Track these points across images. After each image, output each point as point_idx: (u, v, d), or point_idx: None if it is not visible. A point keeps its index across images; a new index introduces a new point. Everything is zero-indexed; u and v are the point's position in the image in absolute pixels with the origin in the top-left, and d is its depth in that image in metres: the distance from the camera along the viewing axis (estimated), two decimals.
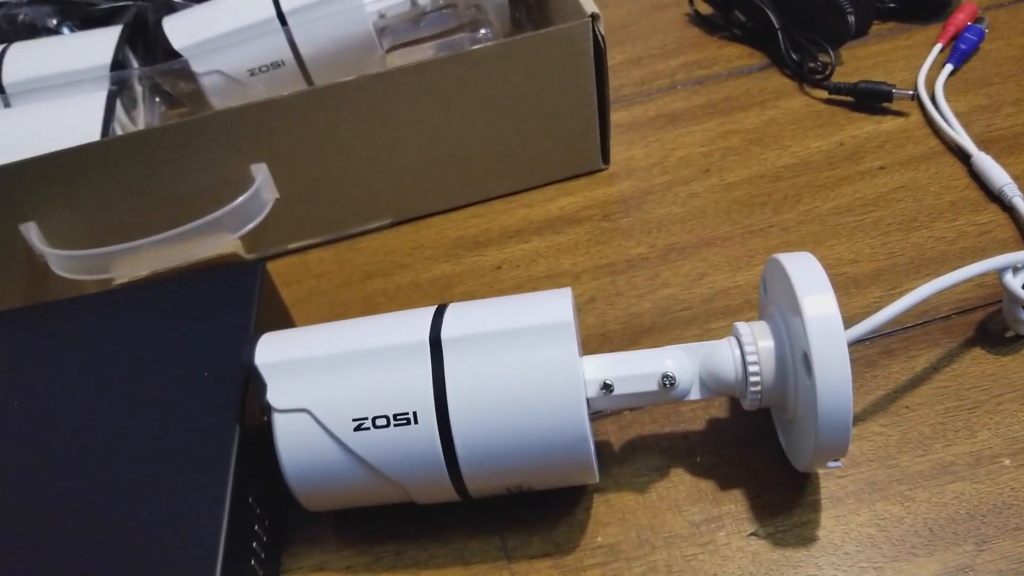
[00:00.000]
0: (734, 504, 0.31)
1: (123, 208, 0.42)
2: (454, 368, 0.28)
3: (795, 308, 0.27)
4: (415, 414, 0.28)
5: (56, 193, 0.41)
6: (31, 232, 0.41)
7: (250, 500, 0.30)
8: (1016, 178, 0.39)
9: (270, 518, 0.32)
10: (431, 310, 0.30)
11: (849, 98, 0.46)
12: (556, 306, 0.29)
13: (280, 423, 0.29)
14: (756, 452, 0.32)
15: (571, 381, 0.28)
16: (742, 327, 0.30)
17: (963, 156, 0.42)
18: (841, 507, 0.30)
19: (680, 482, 0.32)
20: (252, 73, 0.49)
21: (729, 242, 0.40)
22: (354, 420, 0.29)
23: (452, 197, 0.46)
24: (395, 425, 0.29)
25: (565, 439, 0.28)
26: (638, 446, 0.33)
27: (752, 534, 0.30)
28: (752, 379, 0.29)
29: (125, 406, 0.32)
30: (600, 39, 0.40)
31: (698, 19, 0.55)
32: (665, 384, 0.29)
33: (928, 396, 0.33)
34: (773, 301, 0.30)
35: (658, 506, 0.31)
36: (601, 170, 0.46)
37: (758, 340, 0.29)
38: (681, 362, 0.30)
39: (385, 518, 0.32)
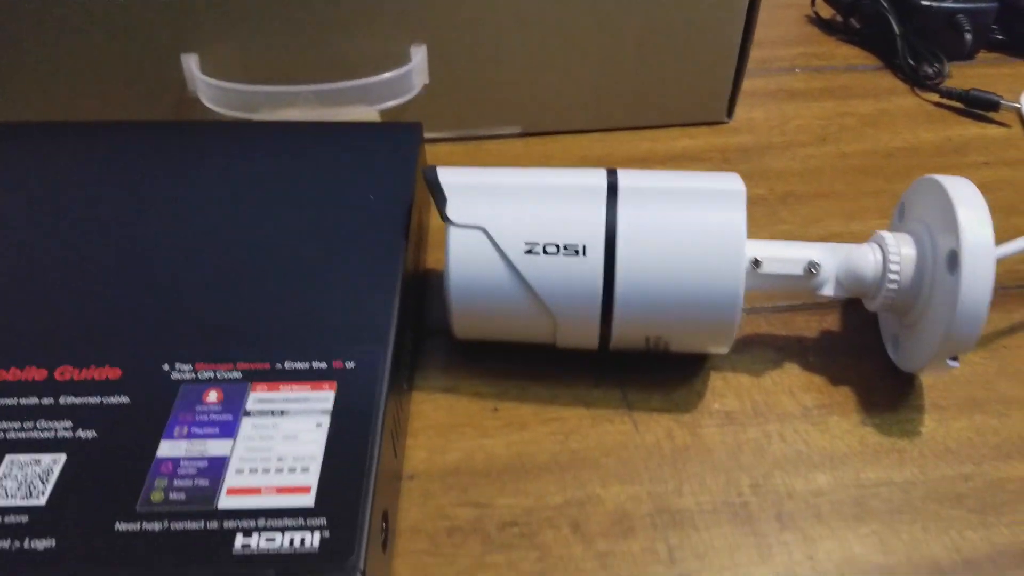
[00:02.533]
0: (843, 398, 0.34)
1: (281, 56, 0.44)
2: (627, 211, 0.31)
3: (948, 210, 0.30)
4: (584, 247, 0.31)
5: (222, 28, 0.43)
6: (191, 63, 0.44)
7: (408, 307, 0.33)
8: None
9: (413, 341, 0.34)
10: (604, 169, 0.33)
11: (958, 104, 0.50)
12: (729, 178, 0.32)
13: (455, 237, 0.32)
14: (865, 362, 0.35)
15: (736, 242, 0.31)
16: (887, 234, 0.33)
17: None
18: (943, 413, 0.33)
19: (793, 374, 0.35)
20: None
21: (843, 198, 0.44)
22: (526, 243, 0.31)
23: (581, 119, 0.49)
24: (564, 255, 0.31)
25: (718, 295, 0.31)
26: (754, 342, 0.36)
27: (860, 422, 0.33)
28: (891, 276, 0.32)
29: (310, 217, 0.34)
30: None
31: (817, 21, 0.59)
32: (811, 271, 0.32)
33: None
34: (915, 218, 0.33)
35: (772, 389, 0.34)
36: (723, 123, 0.49)
37: (901, 247, 0.32)
38: (824, 256, 0.33)
39: (513, 362, 0.35)
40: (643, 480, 0.31)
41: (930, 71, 0.52)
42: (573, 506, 0.30)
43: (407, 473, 0.31)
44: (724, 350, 0.33)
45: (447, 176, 0.33)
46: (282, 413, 0.27)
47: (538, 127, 0.49)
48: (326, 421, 0.26)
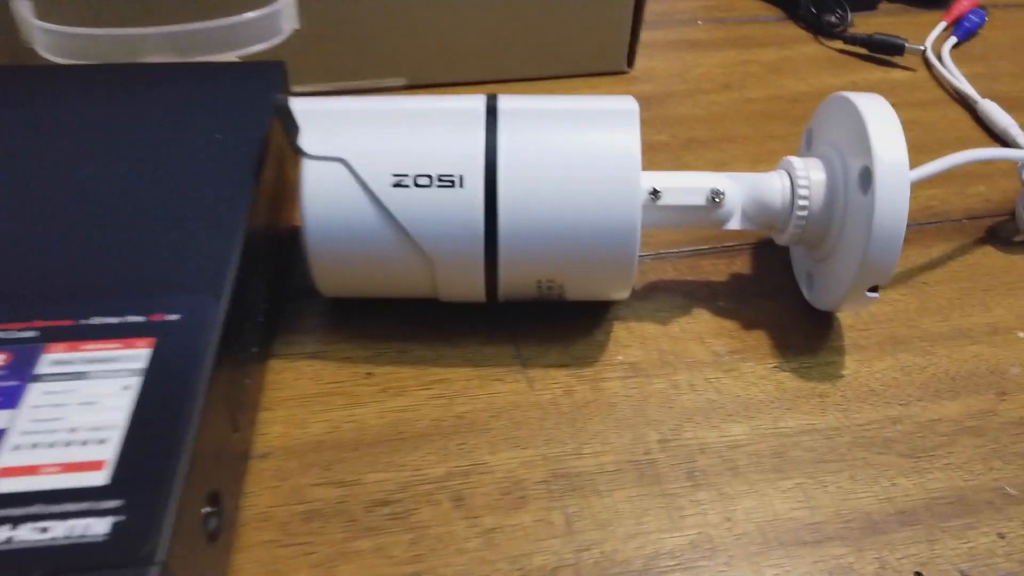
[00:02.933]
0: (757, 342, 0.30)
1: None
2: (509, 136, 0.27)
3: (859, 127, 0.27)
4: (461, 178, 0.27)
5: None
6: (23, 7, 0.38)
7: (258, 258, 0.28)
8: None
9: (270, 302, 0.29)
10: (483, 94, 0.29)
11: (862, 50, 0.48)
12: (620, 99, 0.28)
13: (310, 171, 0.27)
14: (778, 303, 0.32)
15: (630, 166, 0.27)
16: (794, 159, 0.30)
17: (968, 106, 0.44)
18: (865, 353, 0.30)
19: (702, 319, 0.31)
20: None
21: (749, 141, 0.41)
22: (394, 175, 0.27)
23: (471, 70, 0.45)
24: (438, 186, 0.27)
25: (614, 227, 0.27)
26: (660, 288, 0.32)
27: (776, 367, 0.29)
28: (801, 203, 0.29)
29: (143, 160, 0.29)
30: None
31: None
32: (714, 200, 0.29)
33: (944, 276, 0.33)
34: (824, 142, 0.30)
35: (680, 336, 0.30)
36: (624, 73, 0.46)
37: (810, 172, 0.29)
38: (728, 184, 0.29)
39: (392, 322, 0.30)
40: (538, 443, 0.27)
41: (833, 19, 0.50)
42: (456, 477, 0.26)
43: (258, 452, 0.26)
44: (624, 294, 0.29)
45: (301, 104, 0.28)
46: (82, 376, 0.21)
47: (424, 79, 0.44)
48: (136, 383, 0.21)
